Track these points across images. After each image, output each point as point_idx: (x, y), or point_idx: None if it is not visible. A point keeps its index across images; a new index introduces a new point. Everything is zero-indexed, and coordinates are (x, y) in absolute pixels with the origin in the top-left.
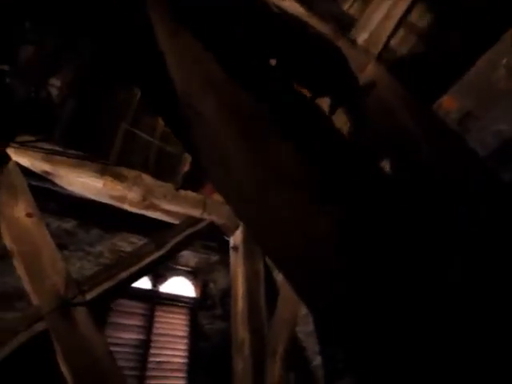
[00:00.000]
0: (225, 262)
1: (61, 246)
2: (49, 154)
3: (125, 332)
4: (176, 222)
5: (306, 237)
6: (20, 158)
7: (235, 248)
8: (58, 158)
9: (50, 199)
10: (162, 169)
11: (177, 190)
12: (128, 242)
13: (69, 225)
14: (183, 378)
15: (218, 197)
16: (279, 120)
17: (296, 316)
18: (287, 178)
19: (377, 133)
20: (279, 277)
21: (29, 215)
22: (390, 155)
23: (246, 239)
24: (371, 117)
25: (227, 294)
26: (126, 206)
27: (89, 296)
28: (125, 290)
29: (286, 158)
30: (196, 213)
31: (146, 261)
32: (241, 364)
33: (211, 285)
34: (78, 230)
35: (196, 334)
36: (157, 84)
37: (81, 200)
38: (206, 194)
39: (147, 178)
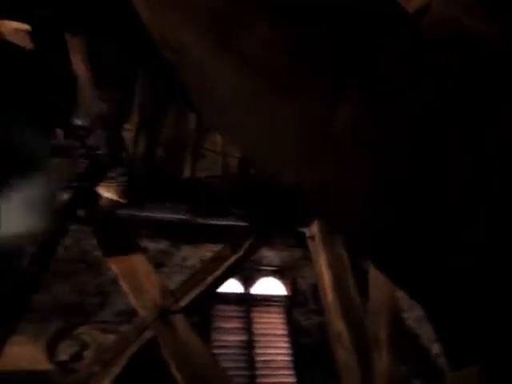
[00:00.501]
0: (308, 256)
1: (159, 265)
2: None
3: (228, 335)
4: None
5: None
6: (108, 192)
7: (312, 238)
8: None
9: (143, 225)
10: None
11: None
12: (213, 252)
13: (162, 245)
14: (291, 375)
15: None
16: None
17: (394, 299)
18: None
19: None
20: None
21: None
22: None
23: (322, 227)
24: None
25: (316, 287)
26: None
27: (182, 303)
28: (214, 295)
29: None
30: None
31: (226, 264)
32: (343, 355)
33: (300, 281)
34: (170, 248)
35: (295, 331)
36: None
37: (168, 222)
38: None
39: None
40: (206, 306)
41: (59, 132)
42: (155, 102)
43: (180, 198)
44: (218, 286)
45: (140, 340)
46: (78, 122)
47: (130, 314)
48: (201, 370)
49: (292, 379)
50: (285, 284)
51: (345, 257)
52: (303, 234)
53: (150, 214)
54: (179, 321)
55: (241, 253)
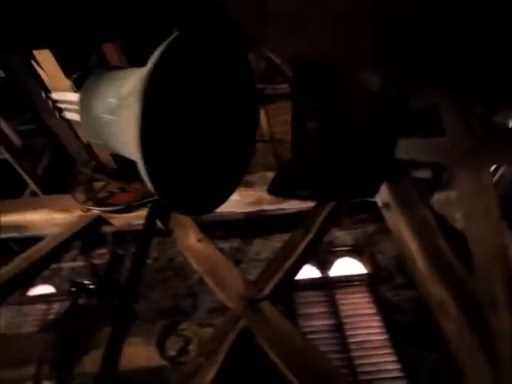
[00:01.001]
0: (384, 229)
1: (237, 262)
2: None
3: (315, 320)
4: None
5: None
6: None
7: (386, 206)
8: None
9: (215, 227)
10: None
11: None
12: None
13: (235, 243)
14: (389, 353)
15: None
16: None
17: (503, 251)
18: None
19: None
20: (457, 216)
21: (199, 240)
22: None
23: (395, 192)
24: None
25: (400, 259)
26: (266, 206)
27: (266, 291)
28: (293, 282)
29: None
30: None
31: (300, 248)
32: (450, 325)
33: (379, 256)
34: (243, 245)
35: (386, 309)
36: None
37: (237, 221)
38: None
39: (270, 174)
40: (288, 295)
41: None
42: None
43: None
44: (296, 272)
45: (235, 330)
46: None
47: (220, 310)
48: (298, 351)
49: (391, 358)
50: (363, 262)
51: (430, 217)
52: (374, 208)
53: (220, 214)
54: (267, 308)
55: (312, 235)
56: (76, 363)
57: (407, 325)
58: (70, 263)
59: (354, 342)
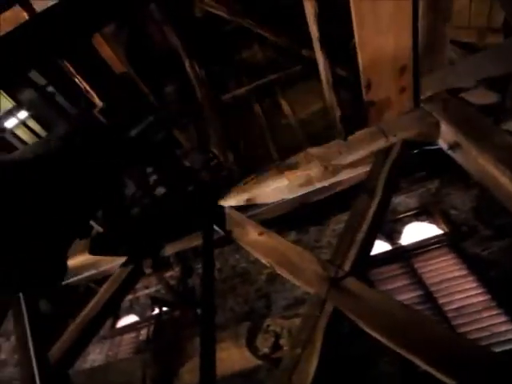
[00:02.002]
0: (450, 180)
1: None
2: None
3: (400, 294)
4: (368, 168)
5: None
6: (227, 202)
7: (455, 146)
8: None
9: (267, 226)
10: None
11: (345, 139)
12: (343, 222)
13: (291, 236)
14: (499, 314)
15: (390, 113)
16: None
17: None
18: None
19: None
20: None
21: (261, 234)
22: None
23: (462, 125)
24: None
25: (482, 209)
26: (317, 184)
27: (346, 267)
28: (371, 250)
29: None
30: (381, 143)
31: (370, 213)
32: None
33: (453, 211)
34: (300, 236)
35: (478, 266)
36: None
37: (286, 214)
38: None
39: (313, 149)
40: (365, 273)
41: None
42: None
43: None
44: (372, 241)
45: (325, 314)
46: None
47: (296, 304)
48: (402, 322)
49: (502, 318)
50: (435, 222)
51: None
52: (429, 161)
53: (269, 209)
54: (353, 284)
55: (378, 197)
56: (175, 377)
57: (509, 278)
58: (146, 290)
59: (451, 310)
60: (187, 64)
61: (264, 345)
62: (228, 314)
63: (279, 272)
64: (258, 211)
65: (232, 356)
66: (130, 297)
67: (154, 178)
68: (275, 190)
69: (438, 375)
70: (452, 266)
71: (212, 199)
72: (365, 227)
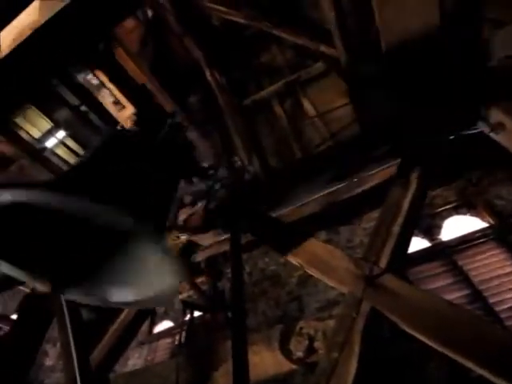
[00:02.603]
0: (494, 168)
1: None
2: None
3: (446, 293)
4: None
5: None
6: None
7: (499, 127)
8: None
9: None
10: None
11: None
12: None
13: (322, 236)
14: None
15: None
16: None
17: None
18: None
19: None
20: None
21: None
22: None
23: (506, 107)
24: None
25: None
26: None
27: (382, 263)
28: (407, 248)
29: None
30: None
31: (405, 204)
32: None
33: (498, 201)
34: (330, 236)
35: None
36: None
37: (314, 214)
38: None
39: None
40: (403, 270)
41: (195, 179)
42: None
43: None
44: (409, 234)
45: (362, 314)
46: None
47: (329, 305)
48: (446, 317)
49: None
50: (478, 215)
51: None
52: (468, 148)
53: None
54: (391, 281)
55: (414, 188)
56: (209, 381)
57: None
58: (179, 296)
59: (504, 310)
60: (208, 73)
61: (298, 348)
62: (260, 318)
63: (310, 272)
64: (285, 212)
65: (265, 360)
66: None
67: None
68: None
69: (492, 378)
70: (502, 261)
71: (238, 203)
72: (400, 220)
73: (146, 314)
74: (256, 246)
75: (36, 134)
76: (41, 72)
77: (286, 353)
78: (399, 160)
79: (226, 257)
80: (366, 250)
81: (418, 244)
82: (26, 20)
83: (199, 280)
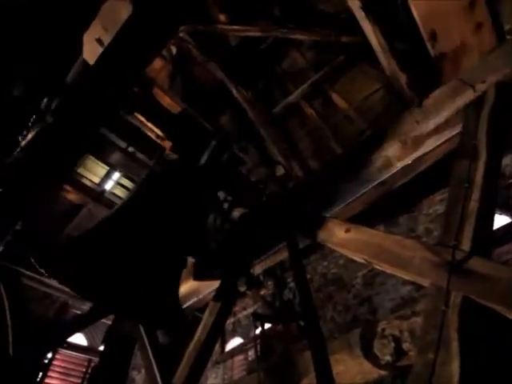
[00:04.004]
0: None
1: None
2: None
3: None
4: (457, 129)
5: None
6: None
7: None
8: None
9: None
10: None
11: (419, 105)
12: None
13: (381, 228)
14: None
15: (469, 58)
16: None
17: None
18: None
19: None
20: None
21: (348, 231)
22: None
23: None
24: None
25: None
26: (399, 164)
27: (465, 245)
28: (491, 224)
29: None
30: (468, 96)
31: (478, 179)
32: None
33: None
34: (390, 228)
35: None
36: None
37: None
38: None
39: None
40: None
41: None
42: None
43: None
44: (490, 214)
45: (454, 306)
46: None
47: (408, 301)
48: None
49: None
50: None
51: None
52: None
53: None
54: (480, 264)
55: (484, 157)
56: None
57: None
58: (244, 312)
59: None
60: (234, 91)
61: (384, 352)
62: (330, 325)
63: (379, 267)
64: (337, 210)
65: (350, 368)
66: (231, 320)
67: (227, 202)
68: None
69: None
70: None
71: (290, 209)
72: (476, 195)
73: (218, 331)
74: (312, 251)
75: (95, 179)
76: (96, 122)
77: (372, 358)
78: (460, 130)
79: (283, 267)
80: (441, 234)
81: (496, 221)
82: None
83: (261, 293)
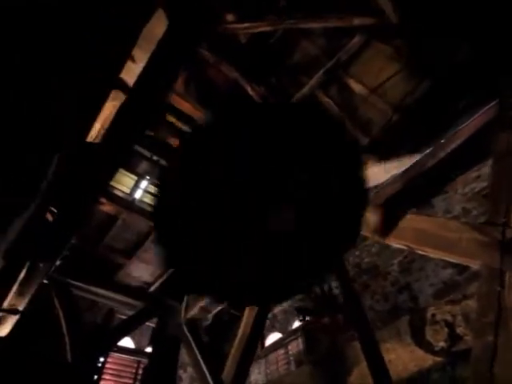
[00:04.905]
0: None
1: None
2: None
3: None
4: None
5: None
6: None
7: None
8: None
9: None
10: None
11: None
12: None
13: None
14: None
15: None
16: None
17: None
18: None
19: None
20: None
21: (383, 217)
22: None
23: None
24: None
25: None
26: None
27: None
28: None
29: None
30: None
31: None
32: None
33: None
34: (426, 210)
35: None
36: None
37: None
38: None
39: None
40: None
41: None
42: None
43: None
44: None
45: (509, 285)
46: None
47: (451, 285)
48: None
49: None
50: None
51: None
52: None
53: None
54: None
55: None
56: None
57: None
58: (279, 307)
59: None
60: (249, 88)
61: (437, 338)
62: (370, 314)
63: (422, 252)
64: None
65: (401, 356)
66: (268, 315)
67: None
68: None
69: None
70: None
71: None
72: None
73: (261, 327)
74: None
75: (126, 189)
76: (128, 144)
77: (425, 345)
78: (496, 101)
79: None
80: (489, 212)
81: None
82: (108, 109)
83: None
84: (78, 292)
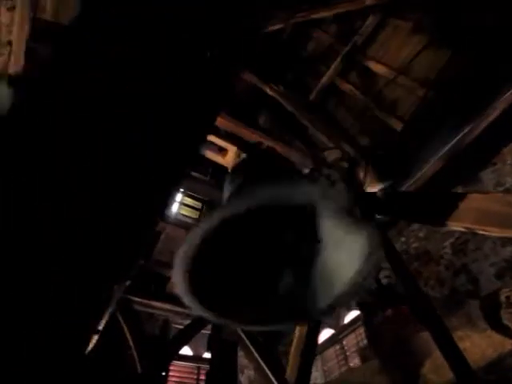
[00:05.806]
0: None
1: None
2: None
3: None
4: None
5: None
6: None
7: None
8: None
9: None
10: None
11: None
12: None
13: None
14: None
15: None
16: None
17: None
18: None
19: None
20: None
21: (434, 200)
22: None
23: None
24: None
25: None
26: None
27: None
28: None
29: None
30: None
31: None
32: None
33: None
34: (470, 188)
35: None
36: None
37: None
38: None
39: None
40: None
41: None
42: None
43: None
44: None
45: None
46: None
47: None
48: None
49: None
50: None
51: None
52: None
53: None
54: None
55: None
56: (418, 379)
57: None
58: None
59: None
60: (268, 90)
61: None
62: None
63: (484, 233)
64: (410, 183)
65: (477, 343)
66: None
67: None
68: None
69: None
70: None
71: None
72: None
73: (318, 324)
74: (387, 229)
75: None
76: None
77: (502, 330)
78: None
79: None
80: None
81: None
82: None
83: None
84: (138, 307)
